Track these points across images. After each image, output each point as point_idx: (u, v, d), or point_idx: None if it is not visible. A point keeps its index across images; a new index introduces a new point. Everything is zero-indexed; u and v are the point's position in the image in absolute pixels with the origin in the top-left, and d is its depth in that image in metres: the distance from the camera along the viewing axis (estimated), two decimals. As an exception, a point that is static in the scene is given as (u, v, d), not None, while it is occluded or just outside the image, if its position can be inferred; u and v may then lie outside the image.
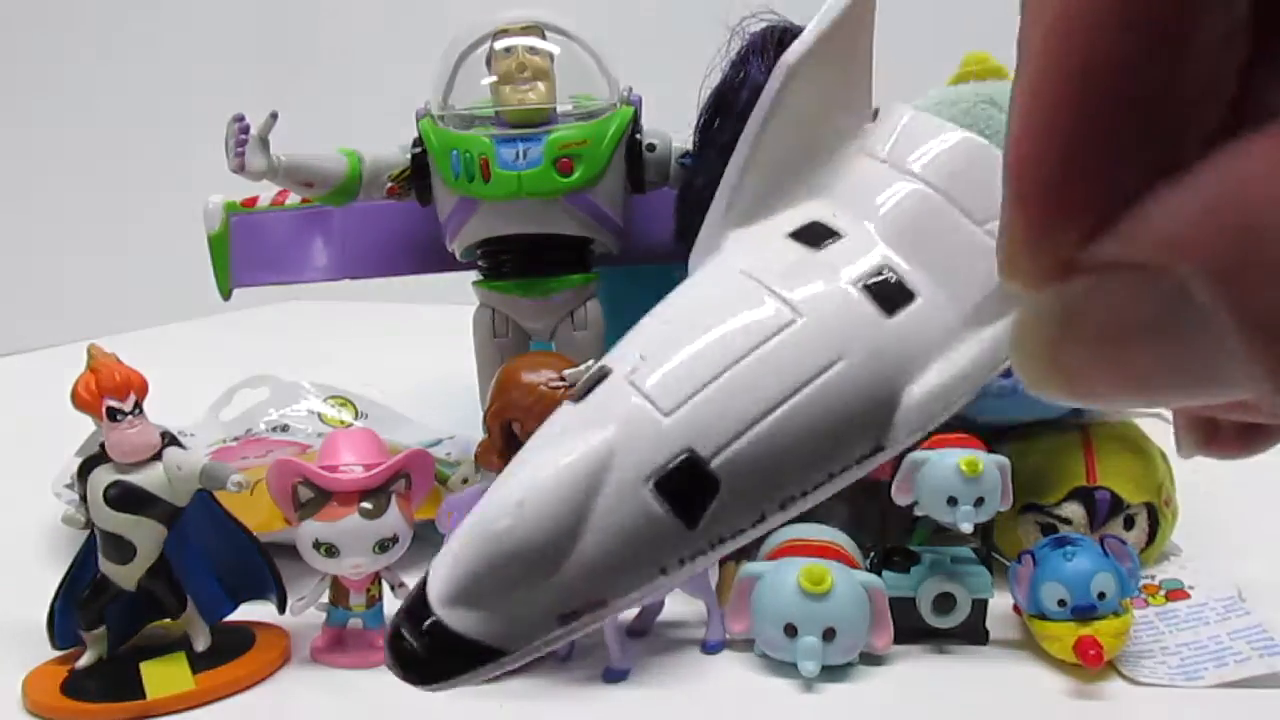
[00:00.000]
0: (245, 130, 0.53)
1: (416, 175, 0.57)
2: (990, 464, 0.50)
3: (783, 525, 0.52)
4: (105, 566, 0.48)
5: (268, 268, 0.67)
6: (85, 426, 0.49)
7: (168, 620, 0.50)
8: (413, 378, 0.97)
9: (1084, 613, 0.47)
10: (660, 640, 0.52)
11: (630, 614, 0.51)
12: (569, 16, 0.57)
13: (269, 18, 1.84)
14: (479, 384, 0.59)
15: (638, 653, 0.50)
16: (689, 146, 0.56)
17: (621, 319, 0.62)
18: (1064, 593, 0.47)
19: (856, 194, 0.17)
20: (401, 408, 0.83)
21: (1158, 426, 0.57)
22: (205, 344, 1.29)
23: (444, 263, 0.62)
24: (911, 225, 0.16)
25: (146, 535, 0.48)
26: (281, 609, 0.51)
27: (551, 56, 0.56)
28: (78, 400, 0.47)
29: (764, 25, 0.53)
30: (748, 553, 0.54)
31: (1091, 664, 0.46)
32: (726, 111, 0.52)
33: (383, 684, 0.49)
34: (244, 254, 0.66)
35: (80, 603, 0.48)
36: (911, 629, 0.50)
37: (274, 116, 0.53)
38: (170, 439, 0.48)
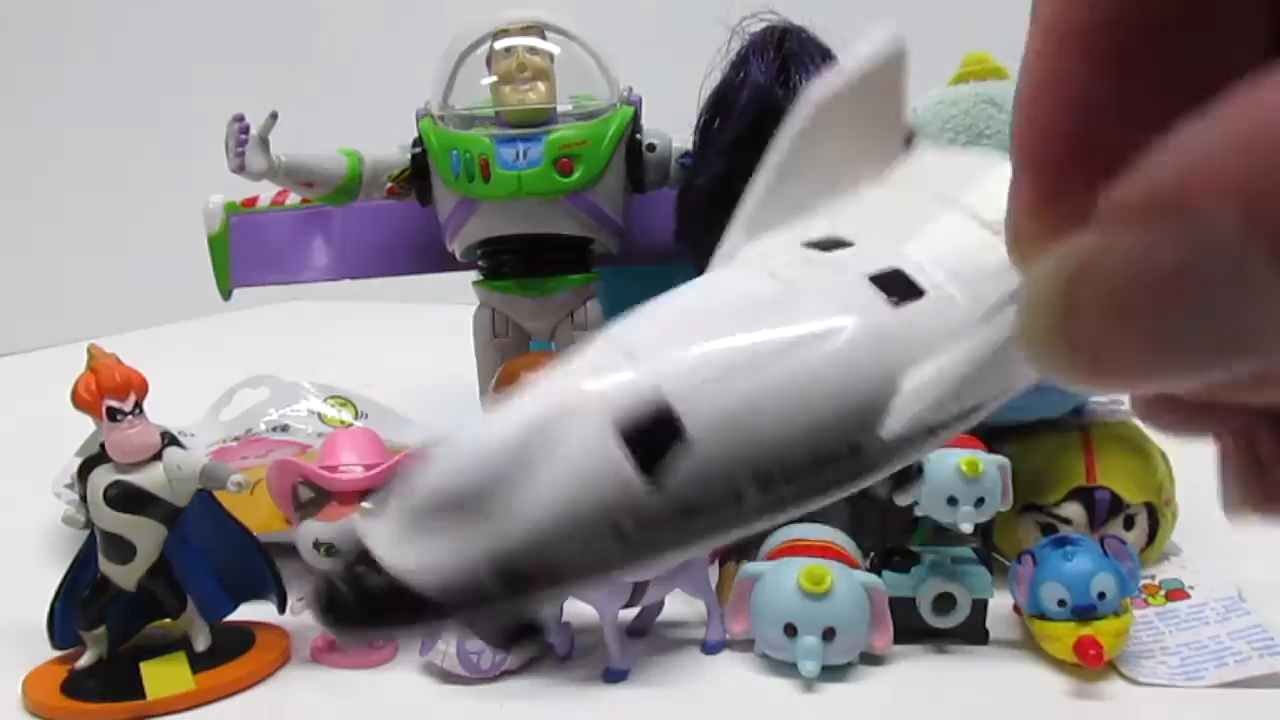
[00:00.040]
0: (245, 130, 0.53)
1: (416, 175, 0.57)
2: (990, 464, 0.50)
3: (782, 525, 0.52)
4: (105, 566, 0.48)
5: (268, 268, 0.67)
6: (85, 426, 0.49)
7: (168, 620, 0.50)
8: (413, 378, 0.97)
9: (1084, 613, 0.47)
10: (660, 640, 0.52)
11: (630, 614, 0.51)
12: (569, 16, 0.57)
13: (269, 18, 1.84)
14: (479, 384, 0.59)
15: (638, 653, 0.50)
16: (689, 146, 0.56)
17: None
18: (1064, 593, 0.47)
19: (879, 214, 0.16)
20: (401, 408, 0.83)
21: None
22: (205, 344, 1.29)
23: (444, 263, 0.62)
24: (931, 240, 0.15)
25: (146, 535, 0.48)
26: (281, 609, 0.51)
27: (551, 56, 0.56)
28: (78, 400, 0.47)
29: (764, 25, 0.53)
30: (747, 553, 0.54)
31: (1091, 664, 0.46)
32: (726, 111, 0.52)
33: (383, 684, 0.49)
34: (244, 254, 0.66)
35: (80, 603, 0.48)
36: (911, 629, 0.50)
37: (274, 116, 0.53)
38: (170, 439, 0.48)
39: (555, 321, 0.58)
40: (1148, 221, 0.10)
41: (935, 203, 0.16)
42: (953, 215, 0.16)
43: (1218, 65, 0.10)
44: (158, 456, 0.48)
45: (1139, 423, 0.60)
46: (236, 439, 0.76)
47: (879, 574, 0.50)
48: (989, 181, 0.16)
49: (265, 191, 0.64)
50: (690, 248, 0.55)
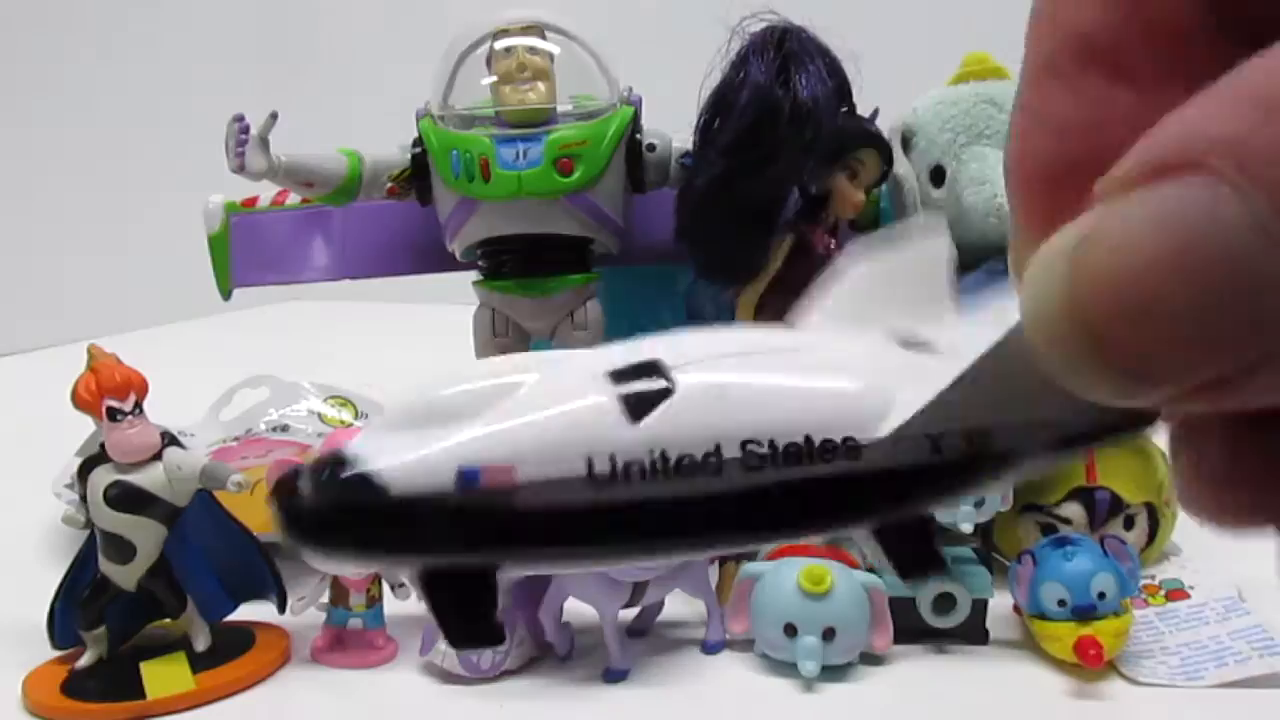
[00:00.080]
0: (245, 130, 0.53)
1: (416, 175, 0.57)
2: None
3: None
4: (105, 566, 0.48)
5: (268, 268, 0.67)
6: (85, 426, 0.49)
7: (168, 620, 0.50)
8: (413, 378, 0.97)
9: (1084, 613, 0.47)
10: (660, 640, 0.52)
11: (630, 614, 0.51)
12: (569, 16, 0.57)
13: (269, 18, 1.84)
14: (479, 384, 0.59)
15: (638, 653, 0.50)
16: (689, 146, 0.56)
17: (621, 319, 0.62)
18: (1064, 593, 0.47)
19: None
20: (402, 408, 0.83)
21: (1157, 426, 0.57)
22: (205, 344, 1.29)
23: (444, 263, 0.62)
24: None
25: (146, 535, 0.48)
26: (281, 609, 0.51)
27: (551, 56, 0.56)
28: (78, 400, 0.47)
29: (764, 25, 0.53)
30: (747, 552, 0.54)
31: (1091, 664, 0.46)
32: (726, 111, 0.52)
33: (383, 684, 0.49)
34: (244, 254, 0.66)
35: (80, 603, 0.48)
36: (911, 629, 0.50)
37: (274, 116, 0.53)
38: (170, 439, 0.49)
39: (555, 321, 0.58)
40: (1145, 187, 0.10)
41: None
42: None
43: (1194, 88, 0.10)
44: (158, 456, 0.48)
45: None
46: (236, 439, 0.76)
47: (879, 574, 0.50)
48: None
49: (265, 191, 0.64)
50: (690, 248, 0.55)
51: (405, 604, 0.51)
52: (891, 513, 0.15)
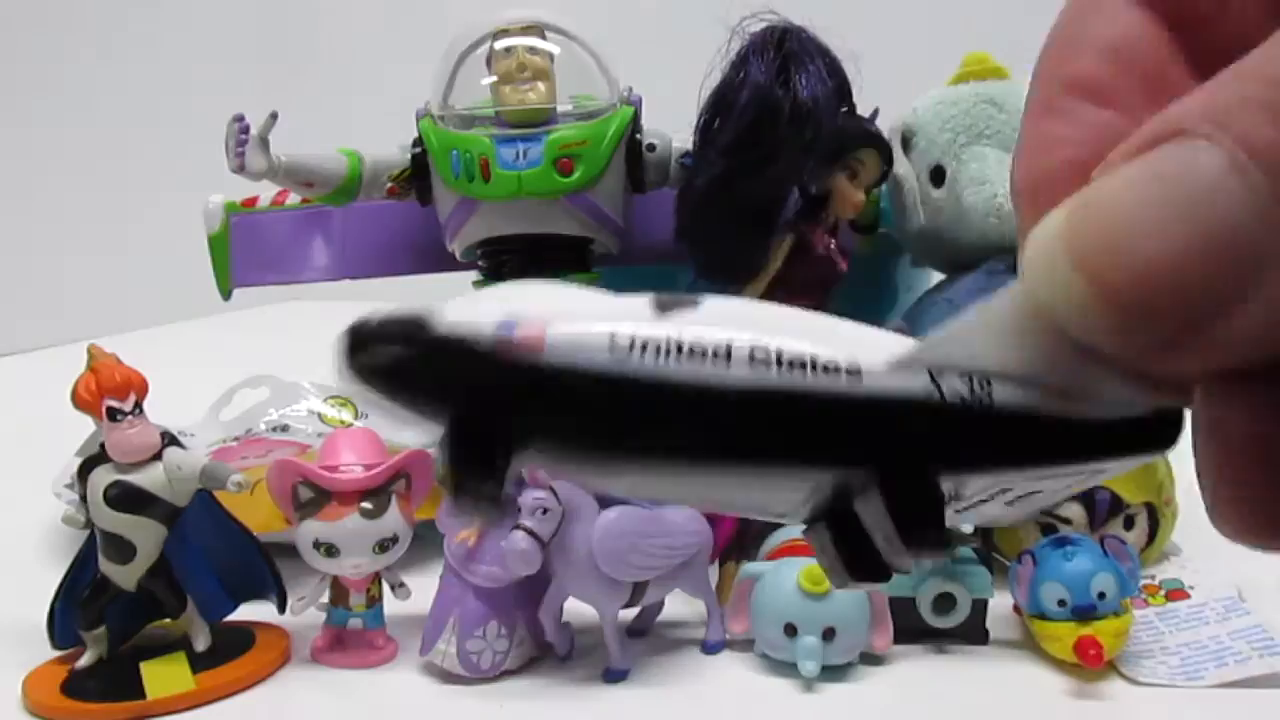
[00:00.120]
0: (245, 130, 0.53)
1: (416, 175, 0.57)
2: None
3: (782, 526, 0.52)
4: (105, 566, 0.48)
5: (268, 268, 0.67)
6: (85, 426, 0.49)
7: (168, 620, 0.50)
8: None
9: (1084, 613, 0.47)
10: (660, 640, 0.52)
11: (630, 614, 0.51)
12: (569, 16, 0.57)
13: (269, 18, 1.84)
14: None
15: (638, 653, 0.50)
16: (689, 146, 0.56)
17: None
18: (1064, 593, 0.47)
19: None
20: (402, 408, 0.83)
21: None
22: (205, 344, 1.29)
23: (444, 263, 0.62)
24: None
25: (146, 535, 0.48)
26: (281, 609, 0.51)
27: (551, 56, 0.56)
28: (78, 400, 0.47)
29: (764, 25, 0.53)
30: (747, 553, 0.54)
31: (1091, 664, 0.46)
32: (726, 111, 0.52)
33: (383, 684, 0.49)
34: (244, 254, 0.66)
35: (80, 603, 0.48)
36: (911, 629, 0.50)
37: (274, 116, 0.53)
38: (170, 439, 0.48)
39: (555, 321, 0.58)
40: (1138, 156, 0.11)
41: None
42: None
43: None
44: (158, 456, 0.48)
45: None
46: (236, 439, 0.76)
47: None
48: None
49: (265, 191, 0.64)
50: (690, 248, 0.55)
51: (405, 604, 0.51)
52: (896, 453, 0.14)
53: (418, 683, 0.49)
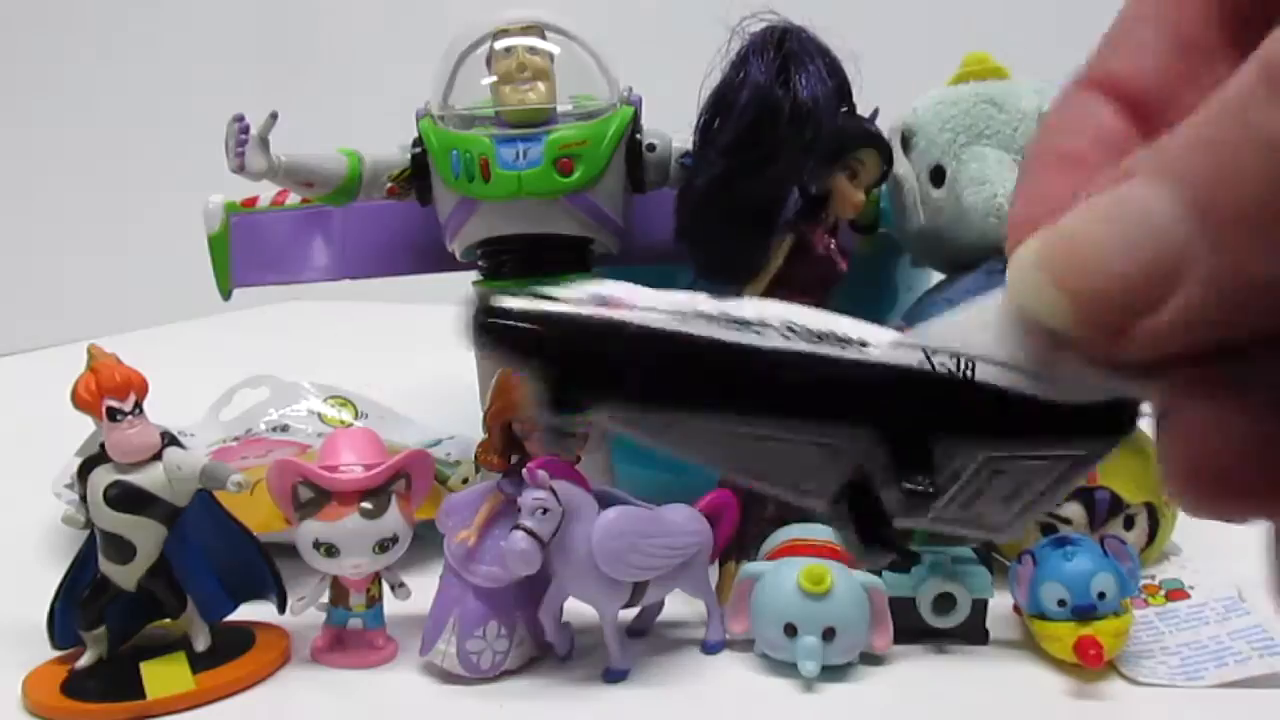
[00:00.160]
0: (245, 130, 0.53)
1: (416, 175, 0.57)
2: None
3: (782, 527, 0.52)
4: (105, 566, 0.48)
5: (268, 268, 0.67)
6: (85, 426, 0.49)
7: (168, 620, 0.50)
8: (413, 378, 0.97)
9: (1084, 613, 0.47)
10: (660, 640, 0.52)
11: (630, 614, 0.51)
12: (569, 16, 0.57)
13: (269, 18, 1.84)
14: (479, 384, 0.59)
15: (638, 653, 0.50)
16: (689, 146, 0.56)
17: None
18: (1064, 593, 0.47)
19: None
20: (401, 408, 0.83)
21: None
22: (205, 344, 1.29)
23: (444, 263, 0.62)
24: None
25: (146, 535, 0.48)
26: (281, 609, 0.51)
27: (551, 56, 0.56)
28: (78, 400, 0.47)
29: (764, 25, 0.53)
30: (747, 553, 0.54)
31: (1091, 664, 0.46)
32: (726, 111, 0.52)
33: (383, 684, 0.49)
34: (244, 254, 0.66)
35: (80, 603, 0.48)
36: (911, 629, 0.50)
37: (274, 116, 0.53)
38: (170, 439, 0.48)
39: (555, 322, 0.58)
40: (1097, 193, 0.14)
41: None
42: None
43: None
44: (158, 456, 0.48)
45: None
46: (236, 439, 0.76)
47: (879, 574, 0.50)
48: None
49: (265, 191, 0.64)
50: (690, 248, 0.55)
51: (405, 604, 0.51)
52: (895, 415, 0.17)
53: (418, 683, 0.49)
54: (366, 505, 0.48)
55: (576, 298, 0.17)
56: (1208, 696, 0.46)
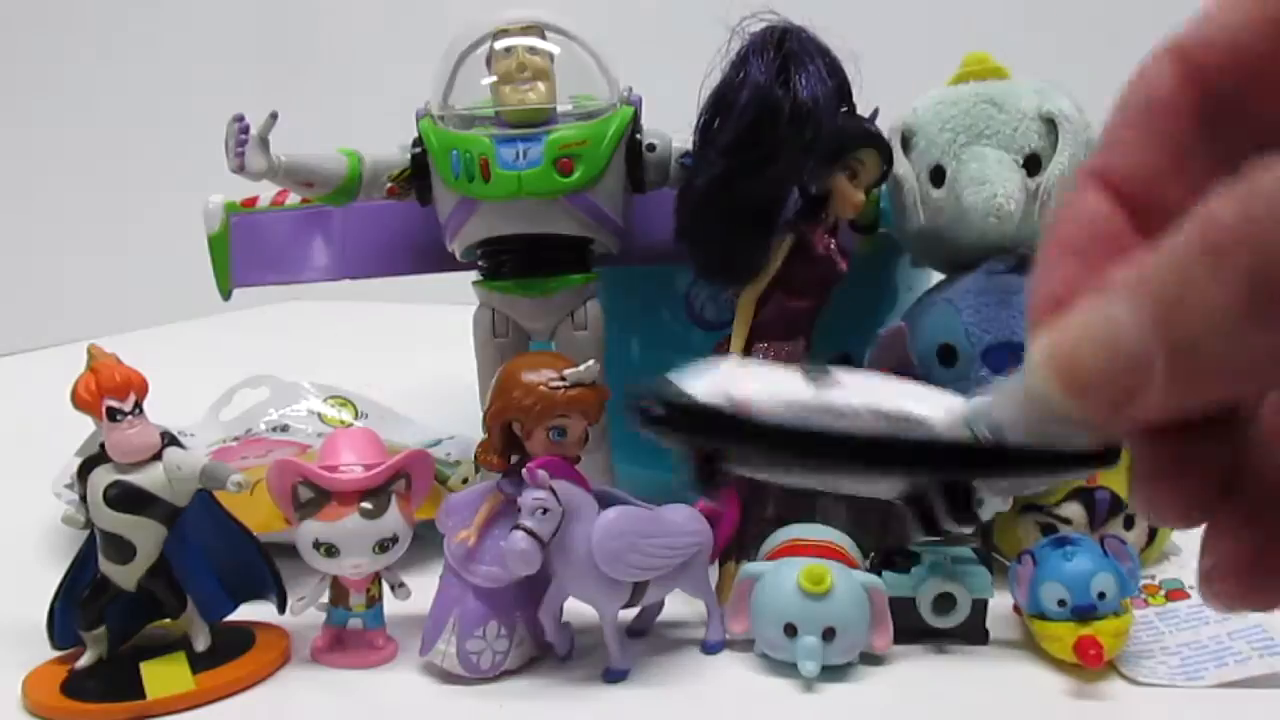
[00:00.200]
0: (245, 130, 0.52)
1: (416, 175, 0.57)
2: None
3: (782, 527, 0.52)
4: (105, 566, 0.48)
5: (268, 268, 0.67)
6: (85, 426, 0.49)
7: (168, 620, 0.50)
8: (413, 378, 0.97)
9: (1084, 613, 0.47)
10: (660, 640, 0.52)
11: (630, 614, 0.51)
12: (569, 16, 0.57)
13: (269, 18, 1.84)
14: (479, 384, 0.59)
15: (638, 653, 0.50)
16: (689, 146, 0.56)
17: (621, 319, 0.62)
18: (1064, 593, 0.47)
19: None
20: (401, 408, 0.84)
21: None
22: (205, 344, 1.29)
23: (444, 263, 0.62)
24: None
25: (146, 535, 0.48)
26: (281, 609, 0.51)
27: (551, 56, 0.56)
28: (78, 400, 0.47)
29: (764, 25, 0.53)
30: (747, 553, 0.54)
31: (1091, 664, 0.46)
32: (726, 111, 0.52)
33: (383, 684, 0.49)
34: (244, 254, 0.66)
35: (80, 603, 0.48)
36: (911, 629, 0.50)
37: (274, 116, 0.53)
38: (170, 439, 0.48)
39: (555, 321, 0.58)
40: (1089, 301, 0.18)
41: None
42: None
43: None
44: (158, 456, 0.48)
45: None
46: (236, 439, 0.77)
47: (879, 574, 0.50)
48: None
49: (265, 191, 0.64)
50: (690, 248, 0.55)
51: (405, 604, 0.51)
52: (948, 469, 0.23)
53: (418, 683, 0.49)
54: (366, 505, 0.48)
55: (716, 399, 0.23)
56: (1208, 696, 0.46)
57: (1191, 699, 0.46)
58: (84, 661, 0.49)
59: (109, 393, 0.46)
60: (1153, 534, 0.56)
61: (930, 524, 0.26)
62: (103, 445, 0.47)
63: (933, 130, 0.59)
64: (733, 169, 0.52)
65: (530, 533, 0.45)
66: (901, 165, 0.59)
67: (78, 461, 0.49)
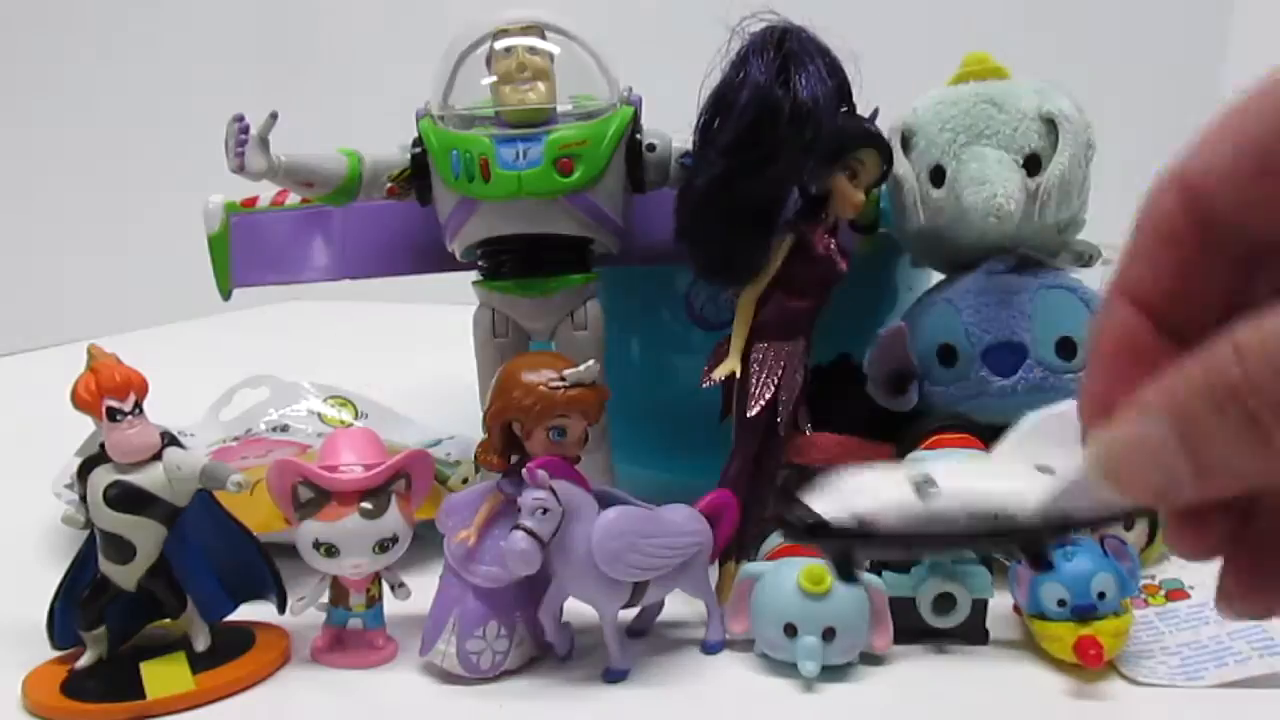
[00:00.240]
0: (245, 130, 0.52)
1: (416, 175, 0.57)
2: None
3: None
4: (105, 566, 0.48)
5: (268, 268, 0.67)
6: (85, 426, 0.49)
7: (168, 620, 0.50)
8: (413, 378, 0.97)
9: (1084, 613, 0.47)
10: (660, 640, 0.52)
11: (630, 614, 0.51)
12: (569, 16, 0.57)
13: (269, 18, 1.84)
14: (479, 384, 0.59)
15: (638, 653, 0.50)
16: (689, 146, 0.56)
17: (621, 319, 0.62)
18: (1064, 593, 0.47)
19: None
20: (401, 408, 0.84)
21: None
22: (205, 344, 1.29)
23: (444, 263, 0.62)
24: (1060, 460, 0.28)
25: (146, 535, 0.48)
26: (281, 609, 0.51)
27: (551, 56, 0.56)
28: (78, 400, 0.47)
29: (764, 25, 0.53)
30: (747, 552, 0.54)
31: (1091, 664, 0.46)
32: (726, 111, 0.52)
33: (383, 684, 0.49)
34: (244, 254, 0.66)
35: (80, 603, 0.48)
36: (911, 629, 0.50)
37: (274, 116, 0.53)
38: (170, 439, 0.49)
39: (555, 321, 0.58)
40: (1125, 414, 0.22)
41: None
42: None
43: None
44: (158, 456, 0.48)
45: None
46: (236, 439, 0.77)
47: (879, 574, 0.50)
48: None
49: (265, 191, 0.64)
50: (690, 248, 0.55)
51: (405, 604, 0.51)
52: (1028, 541, 0.28)
53: (418, 683, 0.49)
54: (366, 505, 0.48)
55: (845, 519, 0.27)
56: (1208, 696, 0.46)
57: (1191, 699, 0.46)
58: (84, 661, 0.49)
59: (109, 393, 0.46)
60: (1152, 534, 0.56)
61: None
62: (103, 445, 0.47)
63: (933, 130, 0.59)
64: (733, 169, 0.52)
65: (530, 533, 0.45)
66: (901, 165, 0.59)
67: (78, 461, 0.49)
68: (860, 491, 0.28)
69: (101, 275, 1.74)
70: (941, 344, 0.58)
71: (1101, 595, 0.47)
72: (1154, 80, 1.36)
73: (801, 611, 0.47)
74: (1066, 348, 0.56)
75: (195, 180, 0.70)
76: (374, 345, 1.28)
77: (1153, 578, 0.55)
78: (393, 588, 0.51)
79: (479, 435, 0.50)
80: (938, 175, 0.58)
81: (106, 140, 1.81)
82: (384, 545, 0.49)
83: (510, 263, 0.57)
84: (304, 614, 0.51)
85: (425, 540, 0.52)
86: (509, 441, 0.49)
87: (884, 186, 0.59)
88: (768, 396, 0.54)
